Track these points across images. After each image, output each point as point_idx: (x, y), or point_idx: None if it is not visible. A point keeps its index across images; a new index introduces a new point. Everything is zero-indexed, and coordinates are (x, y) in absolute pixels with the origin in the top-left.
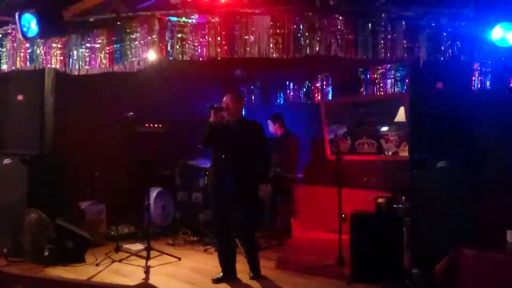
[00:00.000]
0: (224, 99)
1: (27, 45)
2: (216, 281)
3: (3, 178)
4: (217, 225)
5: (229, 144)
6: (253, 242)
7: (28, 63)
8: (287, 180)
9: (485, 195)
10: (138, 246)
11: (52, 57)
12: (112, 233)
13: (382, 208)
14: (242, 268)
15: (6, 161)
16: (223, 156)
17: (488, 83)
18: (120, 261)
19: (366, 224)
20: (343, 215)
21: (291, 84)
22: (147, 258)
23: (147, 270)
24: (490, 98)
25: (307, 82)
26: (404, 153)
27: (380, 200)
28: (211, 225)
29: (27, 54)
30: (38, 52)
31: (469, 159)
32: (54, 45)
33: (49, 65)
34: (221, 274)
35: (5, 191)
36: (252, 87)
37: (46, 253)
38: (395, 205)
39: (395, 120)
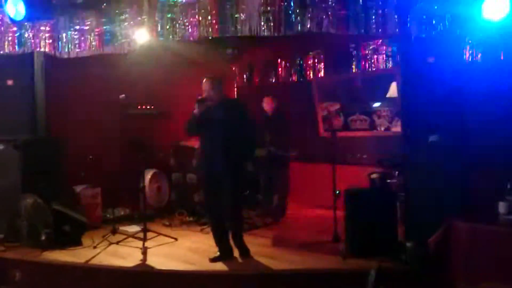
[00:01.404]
0: (203, 87)
1: (15, 28)
2: (214, 260)
3: None
4: (208, 206)
5: (215, 127)
6: (239, 221)
7: (16, 47)
8: (281, 158)
9: (477, 168)
10: (134, 228)
11: (41, 41)
12: (108, 215)
13: (375, 183)
14: None
15: None
16: (210, 138)
17: (479, 56)
18: (117, 243)
19: (360, 199)
20: (337, 192)
21: (283, 62)
22: (144, 239)
23: (144, 251)
24: (481, 71)
25: (298, 59)
26: (397, 128)
27: (374, 175)
28: (204, 206)
29: (15, 38)
30: (26, 35)
31: (460, 133)
32: (42, 28)
33: (38, 49)
34: (218, 253)
35: None
36: (243, 65)
37: (43, 237)
38: (388, 180)
39: (387, 95)
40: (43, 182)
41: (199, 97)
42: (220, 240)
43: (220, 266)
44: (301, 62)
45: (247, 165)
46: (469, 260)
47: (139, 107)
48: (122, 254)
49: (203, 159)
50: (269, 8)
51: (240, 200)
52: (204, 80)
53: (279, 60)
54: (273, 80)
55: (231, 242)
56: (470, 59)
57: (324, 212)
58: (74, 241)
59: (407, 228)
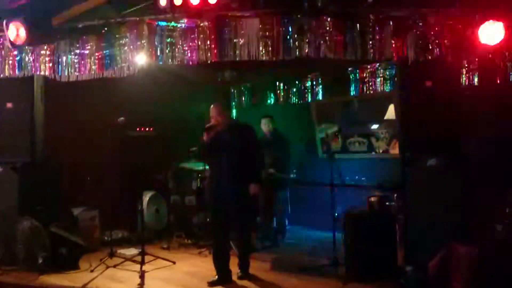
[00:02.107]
0: (211, 113)
1: (15, 52)
2: (212, 284)
3: None
4: (215, 228)
5: (224, 151)
6: (249, 243)
7: (17, 70)
8: (280, 180)
9: (475, 191)
10: (132, 251)
11: (41, 64)
12: (106, 238)
13: (374, 206)
14: (235, 270)
15: None
16: (220, 161)
17: (475, 80)
18: (114, 266)
19: (360, 223)
20: (336, 214)
21: (281, 85)
22: (142, 263)
23: (142, 275)
24: (477, 95)
25: (297, 82)
26: (395, 150)
27: (373, 198)
28: (206, 228)
29: (16, 62)
30: (26, 59)
31: (458, 155)
32: (42, 52)
33: (38, 72)
34: (216, 276)
35: None
36: (242, 88)
37: (40, 261)
38: (387, 203)
39: (385, 118)
40: (41, 205)
41: (207, 125)
42: (220, 263)
43: None
44: (300, 84)
45: (257, 187)
46: (469, 284)
47: (138, 129)
48: (120, 278)
49: (214, 182)
50: (267, 33)
51: (250, 219)
52: (212, 106)
53: (277, 82)
54: (272, 102)
55: (236, 259)
56: (466, 83)
57: (324, 234)
58: (71, 265)
59: (407, 252)
